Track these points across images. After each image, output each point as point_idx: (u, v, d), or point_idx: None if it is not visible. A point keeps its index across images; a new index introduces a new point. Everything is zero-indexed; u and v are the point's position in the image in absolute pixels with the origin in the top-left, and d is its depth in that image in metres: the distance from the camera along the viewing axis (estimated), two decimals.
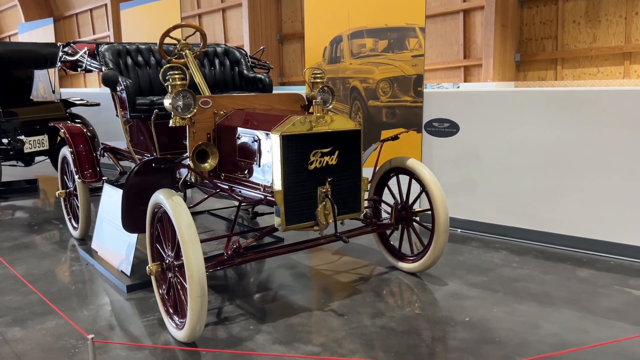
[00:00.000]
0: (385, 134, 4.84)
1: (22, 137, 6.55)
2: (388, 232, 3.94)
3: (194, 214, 5.30)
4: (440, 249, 3.57)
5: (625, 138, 3.93)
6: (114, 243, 3.92)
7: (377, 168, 3.84)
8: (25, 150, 6.60)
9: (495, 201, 4.60)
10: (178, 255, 2.79)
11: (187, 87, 3.22)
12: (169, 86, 3.18)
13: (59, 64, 4.56)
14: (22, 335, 2.99)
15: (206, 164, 3.32)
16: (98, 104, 7.30)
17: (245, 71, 4.74)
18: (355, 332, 2.95)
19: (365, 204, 3.49)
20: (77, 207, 4.65)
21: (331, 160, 3.06)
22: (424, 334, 2.91)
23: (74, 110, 7.34)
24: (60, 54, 4.51)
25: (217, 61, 4.76)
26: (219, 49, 4.79)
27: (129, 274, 3.68)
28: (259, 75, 4.64)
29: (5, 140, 6.56)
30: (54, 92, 8.11)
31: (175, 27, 3.91)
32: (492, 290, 3.48)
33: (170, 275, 2.95)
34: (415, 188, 3.66)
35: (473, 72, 8.11)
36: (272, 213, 3.06)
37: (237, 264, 3.12)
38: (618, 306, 3.22)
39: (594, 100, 4.05)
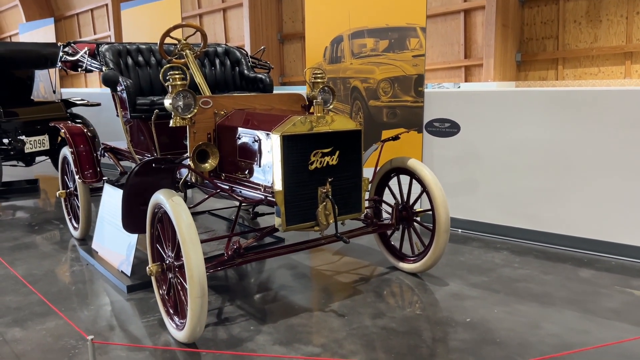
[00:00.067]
0: (386, 134, 4.83)
1: (23, 137, 6.55)
2: (389, 232, 3.93)
3: (194, 214, 5.31)
4: (441, 249, 3.57)
5: (626, 138, 3.92)
6: (115, 243, 3.92)
7: (378, 168, 3.83)
8: (26, 151, 6.60)
9: (496, 201, 4.59)
10: (178, 255, 2.78)
11: (187, 87, 3.22)
12: (170, 86, 3.17)
13: (59, 64, 4.55)
14: (22, 336, 2.98)
15: (206, 164, 3.31)
16: (99, 104, 7.30)
17: (245, 71, 4.73)
18: (355, 332, 2.94)
19: (366, 204, 3.48)
20: (78, 207, 4.65)
21: (332, 161, 3.06)
22: (425, 335, 2.91)
23: (74, 110, 7.34)
24: (61, 54, 4.50)
25: (217, 61, 4.76)
26: (219, 49, 4.79)
27: (129, 275, 3.67)
28: (260, 75, 4.63)
29: (6, 140, 6.56)
30: (54, 92, 8.11)
31: (175, 27, 3.91)
32: (493, 291, 3.48)
33: (170, 275, 2.94)
34: (416, 188, 3.65)
35: (474, 72, 8.10)
36: (273, 213, 3.05)
37: (237, 265, 3.11)
38: (619, 307, 3.21)
39: (595, 100, 4.04)
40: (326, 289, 3.60)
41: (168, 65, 3.60)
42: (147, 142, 4.02)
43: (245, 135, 3.25)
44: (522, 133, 4.38)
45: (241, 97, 3.63)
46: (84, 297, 3.50)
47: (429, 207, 3.56)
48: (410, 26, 4.68)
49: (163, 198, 2.80)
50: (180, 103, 3.21)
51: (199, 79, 3.92)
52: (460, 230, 4.79)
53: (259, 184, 3.15)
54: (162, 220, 2.94)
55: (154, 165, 3.08)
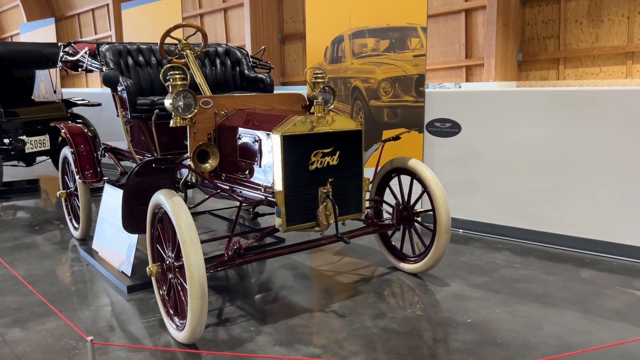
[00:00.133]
0: (386, 134, 4.83)
1: (24, 137, 6.55)
2: (389, 232, 3.92)
3: (195, 214, 5.31)
4: (442, 250, 3.56)
5: (627, 138, 3.91)
6: (115, 243, 3.91)
7: (379, 168, 3.82)
8: (27, 151, 6.60)
9: (497, 201, 4.58)
10: (178, 256, 2.78)
11: (187, 87, 3.21)
12: (170, 86, 3.16)
13: (59, 64, 4.55)
14: (22, 336, 2.98)
15: (207, 165, 3.31)
16: (99, 104, 7.29)
17: (246, 71, 4.72)
18: (356, 333, 2.93)
19: (367, 204, 3.47)
20: (78, 207, 4.64)
21: (332, 161, 3.05)
22: (426, 336, 2.90)
23: (75, 110, 7.33)
24: (61, 54, 4.50)
25: (218, 61, 4.75)
26: (220, 49, 4.78)
27: (129, 275, 3.67)
28: (260, 75, 4.63)
29: (6, 141, 6.56)
30: (55, 92, 8.10)
31: (176, 27, 3.90)
32: (494, 291, 3.47)
33: (170, 276, 2.93)
34: (417, 188, 3.64)
35: (475, 72, 8.09)
36: (273, 214, 3.04)
37: (237, 265, 3.10)
38: (621, 307, 3.20)
39: (597, 100, 4.03)
40: (327, 290, 3.59)
41: (168, 65, 3.59)
42: (148, 142, 4.01)
43: (245, 136, 3.25)
44: (523, 133, 4.37)
45: (241, 97, 3.62)
46: (84, 298, 3.50)
47: (430, 208, 3.55)
48: (411, 26, 4.67)
49: (163, 198, 2.79)
50: (181, 103, 3.20)
51: (199, 79, 3.91)
52: (461, 230, 4.77)
53: (259, 184, 3.15)
54: (162, 220, 2.93)
55: (154, 165, 3.07)
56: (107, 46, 4.29)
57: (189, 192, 6.07)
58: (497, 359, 2.65)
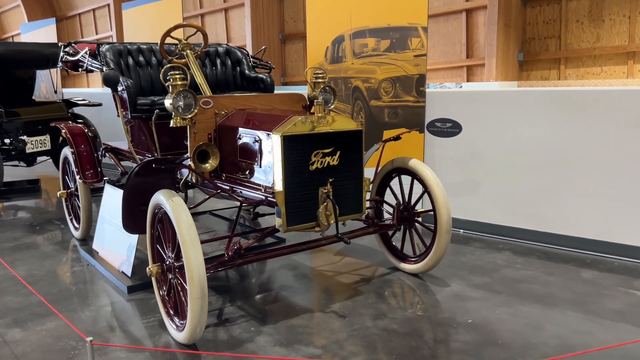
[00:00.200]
0: (387, 134, 4.82)
1: (24, 137, 6.55)
2: (390, 232, 3.92)
3: (195, 214, 5.30)
4: (442, 250, 3.55)
5: (629, 138, 3.90)
6: (115, 244, 3.91)
7: (379, 168, 3.81)
8: (27, 151, 6.60)
9: (498, 201, 4.57)
10: (178, 256, 2.77)
11: (188, 87, 3.21)
12: (170, 86, 3.16)
13: (60, 64, 4.55)
14: (22, 337, 2.98)
15: (207, 165, 3.30)
16: (100, 104, 7.29)
17: (246, 71, 4.72)
18: (356, 333, 2.92)
19: (367, 204, 3.47)
20: (79, 207, 4.64)
21: (332, 161, 3.04)
22: (426, 336, 2.89)
23: (76, 110, 7.34)
24: (62, 54, 4.50)
25: (218, 61, 4.74)
26: (220, 49, 4.78)
27: (129, 275, 3.66)
28: (261, 75, 4.62)
29: (7, 141, 6.56)
30: (56, 92, 8.11)
31: (176, 27, 3.90)
32: (495, 292, 3.46)
33: (170, 276, 2.93)
34: (418, 188, 3.64)
35: (476, 72, 8.08)
36: (274, 214, 3.04)
37: (237, 265, 3.10)
38: (622, 308, 3.19)
39: (598, 100, 4.02)
40: (327, 290, 3.58)
41: (169, 65, 3.59)
42: (148, 142, 4.01)
43: (245, 136, 3.24)
44: (524, 133, 4.36)
45: (242, 97, 3.61)
46: (85, 298, 3.50)
47: (431, 208, 3.55)
48: (411, 26, 4.67)
49: (163, 198, 2.79)
50: (181, 103, 3.20)
51: (199, 79, 3.91)
52: (462, 230, 4.77)
53: (259, 185, 3.14)
54: (163, 220, 2.93)
55: (154, 165, 3.07)
56: (107, 46, 4.29)
57: (190, 192, 6.07)
58: None
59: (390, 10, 4.75)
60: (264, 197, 3.05)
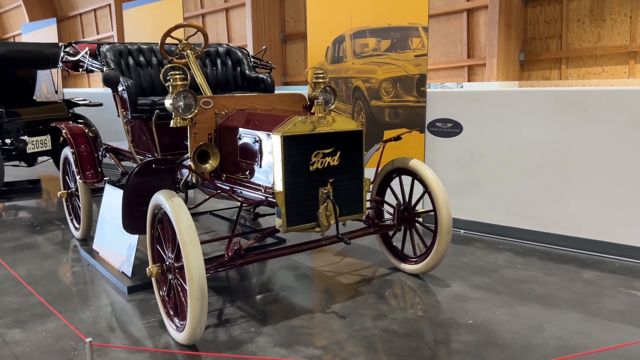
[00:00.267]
0: (388, 134, 4.81)
1: (25, 138, 6.56)
2: (390, 233, 3.91)
3: (196, 214, 5.30)
4: (443, 251, 3.55)
5: (630, 138, 3.89)
6: (115, 244, 3.91)
7: (380, 169, 3.81)
8: (28, 151, 6.60)
9: (499, 202, 4.56)
10: (178, 256, 2.77)
11: (188, 88, 3.20)
12: (170, 86, 3.16)
13: (60, 64, 4.55)
14: (22, 337, 2.97)
15: (207, 165, 3.30)
16: (101, 104, 7.30)
17: (247, 71, 4.72)
18: (357, 334, 2.92)
19: (368, 205, 3.46)
20: (79, 207, 4.64)
21: (333, 161, 3.04)
22: (427, 337, 2.88)
23: (76, 110, 7.34)
24: (62, 54, 4.50)
25: (219, 61, 4.74)
26: (220, 49, 4.77)
27: (129, 275, 3.66)
28: (261, 75, 4.62)
29: (8, 141, 6.56)
30: (56, 92, 8.11)
31: (176, 27, 3.90)
32: (496, 292, 3.45)
33: (170, 276, 2.93)
34: (418, 189, 3.63)
35: (477, 72, 8.07)
36: (274, 214, 3.03)
37: (237, 266, 3.09)
38: (623, 309, 3.18)
39: (599, 100, 4.01)
40: (327, 290, 3.58)
41: (169, 65, 3.59)
42: (148, 143, 4.01)
43: (246, 136, 3.24)
44: (525, 133, 4.35)
45: (242, 97, 3.61)
46: (85, 298, 3.49)
47: (431, 208, 3.54)
48: (412, 26, 4.66)
49: (163, 199, 2.78)
50: (181, 103, 3.20)
51: (200, 79, 3.90)
52: (462, 231, 4.76)
53: (259, 185, 3.14)
54: (163, 221, 2.93)
55: (154, 165, 3.07)
56: (107, 46, 4.28)
57: (190, 192, 6.07)
58: None
59: (390, 10, 4.75)
60: (264, 198, 3.04)
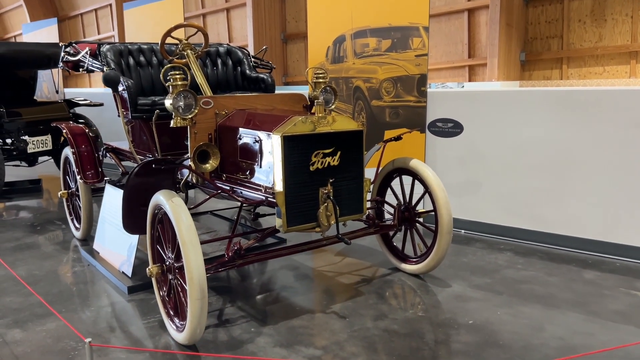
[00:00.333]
0: (388, 134, 4.81)
1: (26, 137, 6.56)
2: (391, 233, 3.90)
3: (196, 214, 5.30)
4: (443, 251, 3.54)
5: (631, 138, 3.89)
6: (116, 244, 3.91)
7: (380, 169, 3.80)
8: (29, 151, 6.61)
9: (499, 202, 4.56)
10: (178, 257, 2.76)
11: (188, 87, 3.20)
12: (170, 86, 3.15)
13: (61, 64, 4.54)
14: (22, 337, 2.97)
15: (207, 165, 3.30)
16: (101, 104, 7.30)
17: (247, 71, 4.71)
18: (357, 334, 2.92)
19: (368, 205, 3.46)
20: (79, 207, 4.64)
21: (333, 161, 3.03)
22: (427, 337, 2.88)
23: (77, 110, 7.34)
24: (62, 54, 4.50)
25: (219, 61, 4.74)
26: (221, 49, 4.77)
27: (130, 275, 3.66)
28: (262, 75, 4.61)
29: (8, 140, 6.57)
30: (57, 92, 8.11)
31: (176, 27, 3.89)
32: (496, 292, 3.45)
33: (170, 277, 2.92)
34: (419, 189, 3.63)
35: (478, 72, 8.06)
36: (274, 214, 3.03)
37: (238, 266, 3.09)
38: (624, 309, 3.17)
39: (600, 100, 4.00)
40: (328, 291, 3.57)
41: (169, 65, 3.58)
42: (149, 143, 4.01)
43: (246, 136, 3.24)
44: (526, 133, 4.34)
45: (242, 97, 3.61)
46: (85, 298, 3.49)
47: (432, 208, 3.54)
48: (412, 25, 4.66)
49: (163, 199, 2.78)
50: (181, 103, 3.19)
51: (200, 79, 3.90)
52: (463, 231, 4.75)
53: (260, 185, 3.13)
54: (163, 221, 2.92)
55: (154, 166, 3.06)
56: (108, 46, 4.28)
57: (191, 192, 6.07)
58: None
59: (391, 10, 4.74)
60: (264, 198, 3.04)
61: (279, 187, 2.91)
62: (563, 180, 4.21)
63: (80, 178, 4.41)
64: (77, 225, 4.80)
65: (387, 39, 4.79)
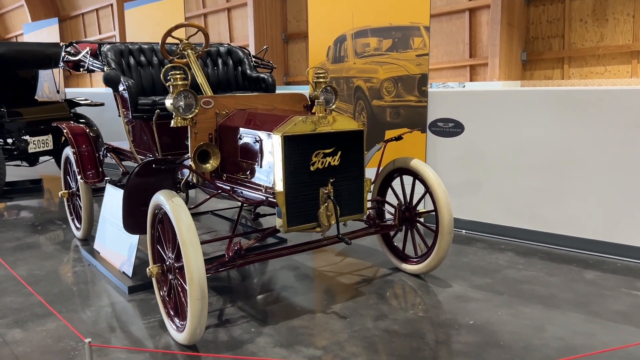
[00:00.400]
0: (389, 133, 4.80)
1: (27, 137, 6.56)
2: (391, 233, 3.90)
3: (197, 214, 5.30)
4: (444, 251, 3.53)
5: (632, 138, 3.88)
6: (116, 244, 3.90)
7: (381, 168, 3.80)
8: (30, 150, 6.61)
9: (500, 202, 4.55)
10: (178, 257, 2.76)
11: (189, 87, 3.20)
12: (171, 86, 3.15)
13: (61, 64, 4.54)
14: (22, 337, 2.97)
15: (208, 165, 3.29)
16: (102, 104, 7.30)
17: (248, 71, 4.71)
18: (357, 335, 2.91)
19: (369, 204, 3.45)
20: (80, 207, 4.64)
21: (333, 161, 3.03)
22: (428, 337, 2.87)
23: (78, 110, 7.34)
24: (63, 54, 4.50)
25: (220, 61, 4.73)
26: (222, 49, 4.77)
27: (130, 275, 3.66)
28: (262, 75, 4.61)
29: (10, 140, 6.57)
30: (58, 92, 8.12)
31: (177, 27, 3.89)
32: (497, 293, 3.44)
33: (170, 277, 2.92)
34: (419, 189, 3.62)
35: (479, 71, 8.05)
36: (275, 214, 3.02)
37: (238, 266, 3.09)
38: (625, 309, 3.16)
39: (601, 100, 3.99)
40: (328, 291, 3.57)
41: (169, 65, 3.58)
42: (149, 142, 4.00)
43: (246, 136, 3.23)
44: (527, 133, 4.33)
45: (243, 97, 3.60)
46: (85, 298, 3.49)
47: (432, 208, 3.53)
48: (413, 25, 4.65)
49: (163, 199, 2.78)
50: (181, 103, 3.19)
51: (200, 78, 3.90)
52: (464, 231, 4.75)
53: (260, 185, 3.13)
54: (163, 221, 2.92)
55: (154, 165, 3.06)
56: (108, 46, 4.28)
57: (192, 192, 6.07)
58: None
59: (392, 9, 4.74)
60: (264, 198, 3.04)
61: (280, 187, 2.91)
62: (564, 180, 4.20)
63: (81, 178, 4.41)
64: (78, 225, 4.80)
65: (388, 39, 4.78)
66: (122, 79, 3.94)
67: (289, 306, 3.31)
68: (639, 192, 3.89)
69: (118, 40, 12.97)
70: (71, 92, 8.89)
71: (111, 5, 13.37)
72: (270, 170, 3.01)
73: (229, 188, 3.29)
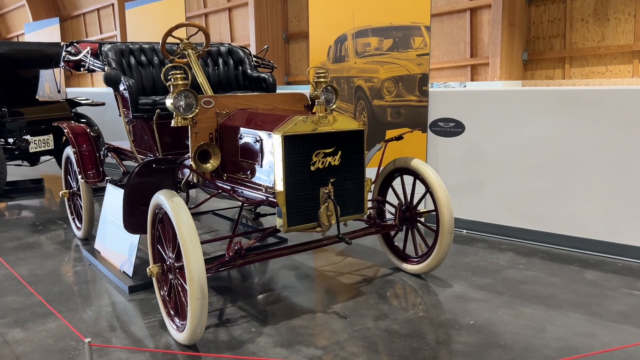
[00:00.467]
0: (390, 133, 4.80)
1: (28, 137, 6.57)
2: (392, 233, 3.90)
3: (197, 214, 5.30)
4: (444, 251, 3.53)
5: (633, 138, 3.87)
6: (117, 243, 3.90)
7: (381, 168, 3.80)
8: (31, 150, 6.61)
9: (501, 202, 4.54)
10: (179, 256, 2.76)
11: (189, 87, 3.20)
12: (171, 86, 3.15)
13: (62, 63, 4.55)
14: (22, 337, 2.97)
15: (208, 165, 3.29)
16: (103, 104, 7.30)
17: (249, 71, 4.71)
18: (358, 334, 2.91)
19: (369, 204, 3.45)
20: (81, 207, 4.64)
21: (334, 161, 3.03)
22: (428, 337, 2.87)
23: (79, 109, 7.35)
24: (64, 53, 4.50)
25: (220, 60, 4.73)
26: (222, 48, 4.76)
27: (131, 275, 3.66)
28: (263, 75, 4.61)
29: (10, 140, 6.58)
30: (59, 91, 8.13)
31: (177, 27, 3.89)
32: (498, 293, 3.44)
33: (171, 276, 2.92)
34: (420, 189, 3.62)
35: (480, 71, 8.04)
36: (275, 214, 3.02)
37: (238, 266, 3.09)
38: (626, 310, 3.16)
39: (602, 100, 3.99)
40: (329, 290, 3.57)
41: (170, 64, 3.58)
42: (150, 142, 4.00)
43: (247, 135, 3.23)
44: (528, 133, 4.33)
45: (243, 96, 3.60)
46: (86, 298, 3.49)
47: (433, 208, 3.53)
48: (414, 25, 4.65)
49: (163, 199, 2.78)
50: (182, 103, 3.19)
51: (201, 78, 3.90)
52: (464, 231, 4.74)
53: (260, 185, 3.13)
54: (163, 221, 2.92)
55: (154, 165, 3.06)
56: (109, 46, 4.28)
57: (192, 191, 6.06)
58: None
59: (393, 9, 4.73)
60: (265, 197, 3.04)
61: (280, 186, 2.91)
62: (565, 180, 4.19)
63: (82, 178, 4.41)
64: (79, 224, 4.80)
65: (388, 39, 4.78)
66: (122, 79, 3.94)
67: (290, 306, 3.30)
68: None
69: (119, 40, 12.98)
70: (72, 92, 8.90)
71: (112, 5, 13.37)
72: (271, 170, 3.01)
73: (229, 188, 3.29)
